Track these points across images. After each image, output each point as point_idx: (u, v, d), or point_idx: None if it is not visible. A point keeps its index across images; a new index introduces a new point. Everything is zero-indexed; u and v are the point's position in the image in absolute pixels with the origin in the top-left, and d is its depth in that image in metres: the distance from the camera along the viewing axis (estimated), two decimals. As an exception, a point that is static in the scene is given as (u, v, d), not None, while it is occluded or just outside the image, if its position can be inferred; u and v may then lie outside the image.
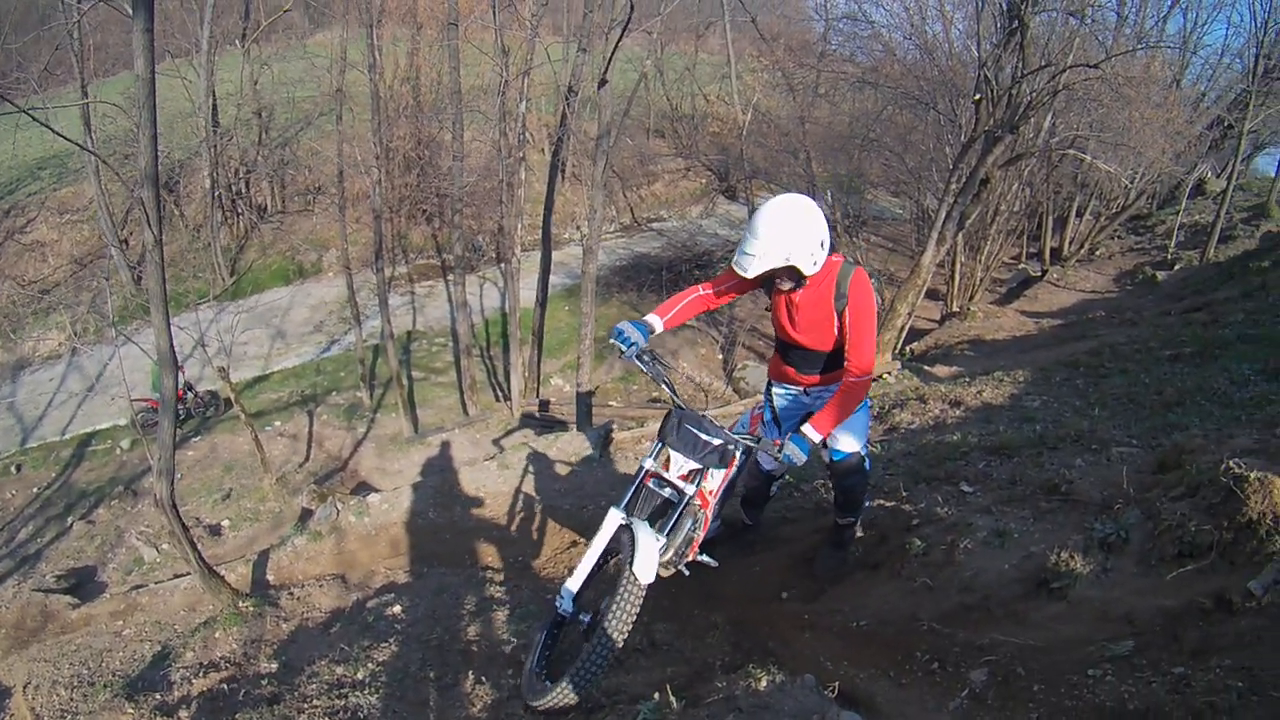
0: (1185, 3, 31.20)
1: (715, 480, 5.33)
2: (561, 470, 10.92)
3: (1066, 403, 11.35)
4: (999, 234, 27.48)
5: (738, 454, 5.26)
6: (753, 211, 7.00)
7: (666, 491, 5.18)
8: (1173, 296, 22.70)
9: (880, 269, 31.91)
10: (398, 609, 7.27)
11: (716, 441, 5.04)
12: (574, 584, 5.02)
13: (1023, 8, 16.17)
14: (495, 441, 18.16)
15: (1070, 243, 32.71)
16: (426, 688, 5.67)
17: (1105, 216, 33.45)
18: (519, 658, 5.73)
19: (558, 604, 5.09)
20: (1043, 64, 17.63)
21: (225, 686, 6.42)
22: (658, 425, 5.70)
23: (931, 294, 25.98)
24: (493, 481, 10.60)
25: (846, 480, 5.82)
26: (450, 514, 10.02)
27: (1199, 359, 12.74)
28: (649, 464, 5.21)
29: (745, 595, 6.66)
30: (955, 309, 26.22)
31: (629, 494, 5.18)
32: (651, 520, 5.11)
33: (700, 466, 5.09)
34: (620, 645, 4.62)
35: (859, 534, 6.67)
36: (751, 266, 4.91)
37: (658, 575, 4.89)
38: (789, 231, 4.82)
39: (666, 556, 5.16)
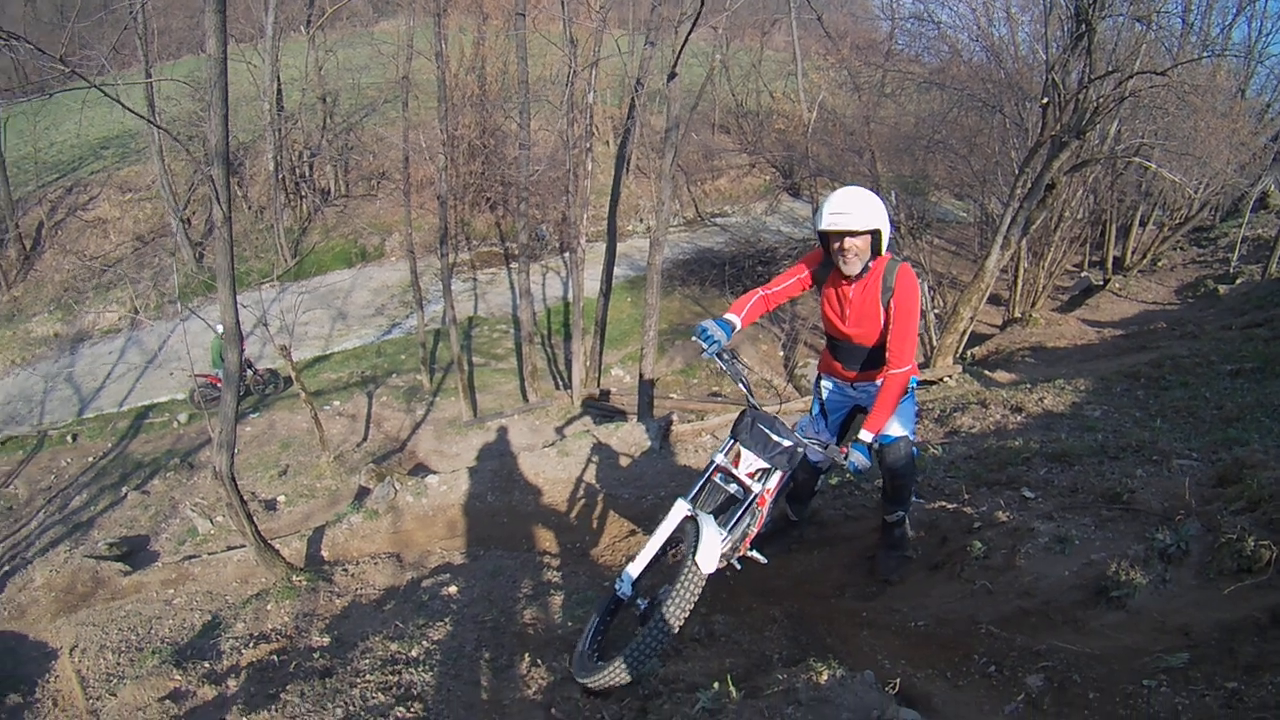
0: (1250, 11, 30.81)
1: (775, 479, 5.40)
2: (622, 460, 10.95)
3: (1127, 413, 11.27)
4: (1062, 241, 27.21)
5: (802, 457, 5.41)
6: (816, 210, 7.15)
7: (733, 487, 5.30)
8: (1234, 310, 22.39)
9: (943, 272, 31.70)
10: (453, 589, 7.32)
11: (787, 443, 5.19)
12: (635, 569, 5.14)
13: (1090, 11, 16.01)
14: (557, 429, 18.19)
15: (1133, 252, 32.29)
16: (481, 668, 5.70)
17: (1168, 227, 32.97)
18: (574, 642, 5.72)
19: (617, 587, 5.20)
20: (1109, 69, 17.47)
21: (276, 658, 6.51)
22: (717, 419, 5.94)
23: (994, 299, 25.85)
24: (552, 468, 10.64)
25: (894, 465, 5.87)
26: (508, 498, 10.07)
27: (1260, 375, 12.62)
28: (719, 459, 5.36)
29: (804, 591, 6.67)
30: (1017, 315, 26.04)
31: (697, 486, 5.35)
32: (716, 514, 5.20)
33: (769, 466, 5.23)
34: (677, 631, 4.75)
35: (915, 534, 6.68)
36: (846, 222, 5.11)
37: (710, 571, 4.89)
38: (873, 203, 5.13)
39: (725, 549, 5.16)
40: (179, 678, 6.49)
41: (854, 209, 5.10)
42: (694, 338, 5.43)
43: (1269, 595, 4.31)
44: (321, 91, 35.08)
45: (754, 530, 5.59)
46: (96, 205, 32.76)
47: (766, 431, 5.22)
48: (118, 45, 30.56)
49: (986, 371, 18.12)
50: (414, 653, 5.92)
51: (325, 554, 9.66)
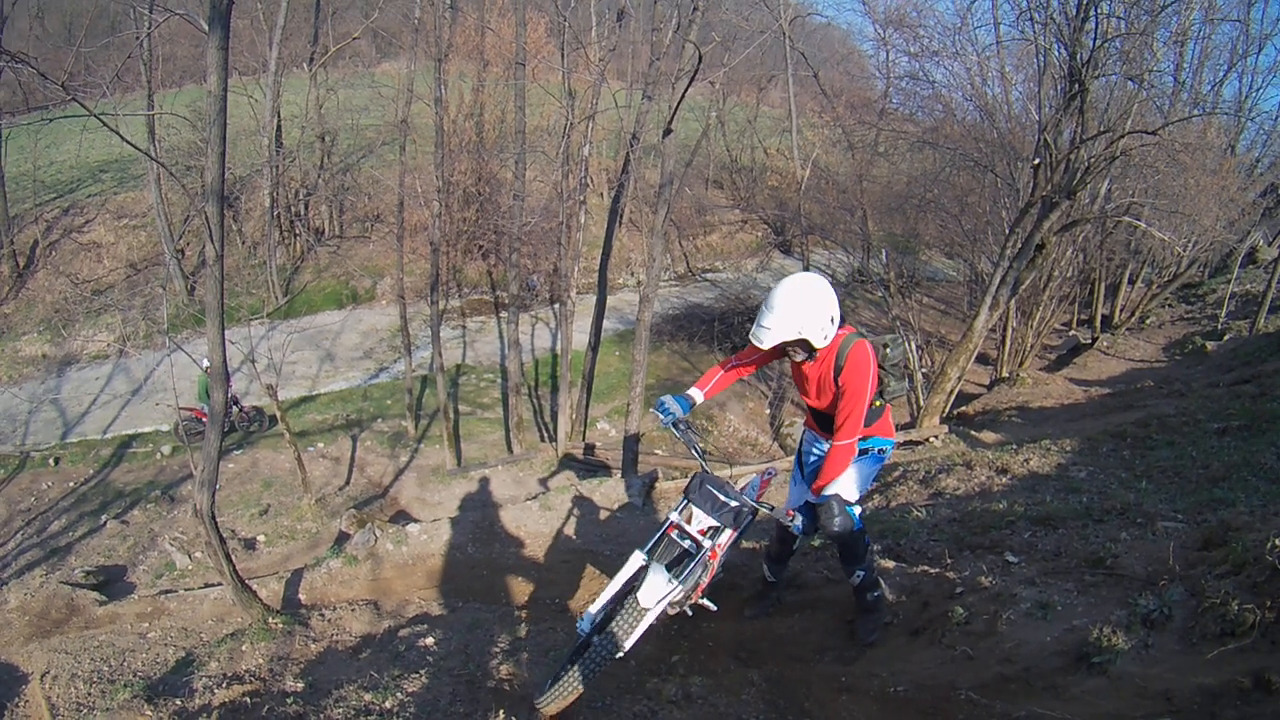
0: (1240, 67, 31.13)
1: (725, 536, 5.76)
2: (603, 515, 10.95)
3: (1113, 474, 11.28)
4: (1051, 300, 27.36)
5: (750, 517, 5.74)
6: (806, 267, 7.61)
7: (686, 543, 5.65)
8: (1222, 367, 22.48)
9: (932, 331, 31.85)
10: (430, 640, 7.26)
11: (734, 504, 5.61)
12: (595, 609, 5.58)
13: (1083, 71, 16.15)
14: (541, 481, 18.16)
15: (1121, 310, 32.45)
16: (456, 723, 5.63)
17: (1157, 284, 33.23)
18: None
19: (579, 625, 5.57)
20: (1101, 129, 17.58)
21: (248, 700, 6.44)
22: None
23: (981, 358, 25.88)
24: (534, 521, 10.61)
25: (826, 525, 5.89)
26: (489, 550, 10.03)
27: (1247, 433, 12.65)
28: (674, 516, 5.79)
29: (783, 654, 6.63)
30: (1005, 374, 26.10)
31: (653, 540, 5.82)
32: (670, 566, 5.56)
33: (718, 524, 5.62)
34: (623, 648, 5.30)
35: (896, 598, 6.66)
36: (766, 339, 5.43)
37: (668, 614, 5.88)
38: (802, 307, 5.33)
39: (676, 598, 5.58)
40: (150, 713, 6.42)
41: (774, 324, 5.37)
42: (652, 409, 6.09)
43: (1252, 659, 4.30)
44: (321, 130, 35.23)
45: (705, 580, 5.94)
46: (92, 229, 32.75)
47: (715, 492, 5.63)
48: (121, 71, 30.71)
49: (973, 431, 18.16)
50: (388, 704, 5.86)
51: (303, 597, 9.58)
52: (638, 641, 5.42)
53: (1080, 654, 4.97)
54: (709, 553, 5.69)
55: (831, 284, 5.49)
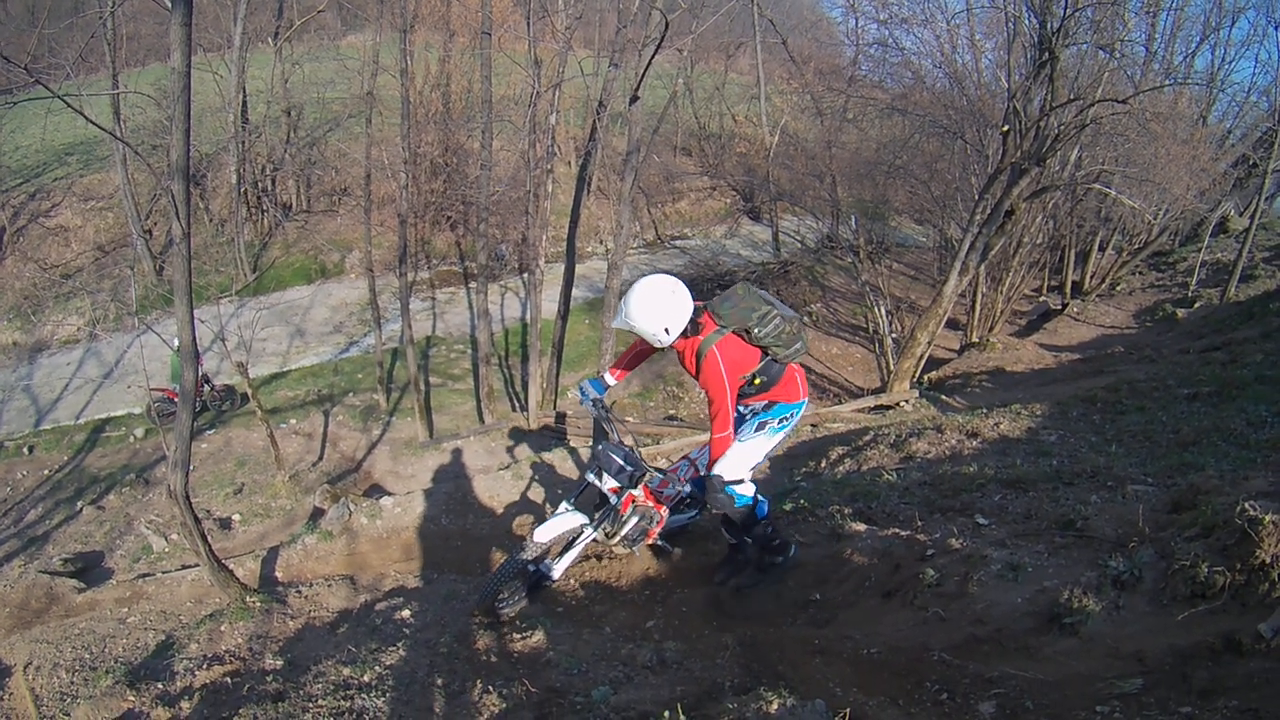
0: (1214, 39, 31.22)
1: (639, 490, 6.92)
2: (574, 480, 10.96)
3: (1083, 438, 11.34)
4: (1021, 266, 27.40)
5: (646, 478, 6.88)
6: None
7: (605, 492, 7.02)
8: (1192, 334, 22.59)
9: (902, 297, 31.82)
10: (407, 613, 7.27)
11: (629, 469, 6.72)
12: (535, 540, 6.79)
13: (1054, 40, 16.16)
14: (509, 450, 18.16)
15: (1091, 277, 32.58)
16: (433, 694, 5.65)
17: (1127, 252, 33.29)
18: (528, 667, 5.84)
19: (517, 556, 6.85)
20: (1071, 97, 17.60)
21: (229, 680, 6.42)
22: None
23: (951, 324, 25.95)
24: (506, 490, 10.66)
25: (710, 501, 6.95)
26: (463, 521, 10.06)
27: (1217, 399, 12.71)
28: (589, 476, 7.11)
29: (756, 617, 6.71)
30: (975, 339, 26.16)
31: (575, 493, 7.28)
32: (595, 509, 7.04)
33: (618, 484, 6.79)
34: (553, 576, 7.04)
35: (867, 560, 6.72)
36: (617, 322, 6.44)
37: (623, 552, 7.82)
38: (642, 307, 6.21)
39: (617, 537, 7.09)
40: (133, 698, 6.38)
41: (624, 314, 6.33)
42: (574, 389, 6.91)
43: (1222, 620, 4.34)
44: (286, 105, 35.01)
45: (655, 527, 7.33)
46: (59, 212, 32.53)
47: (613, 458, 6.83)
48: (85, 51, 30.41)
49: (943, 396, 18.23)
50: (366, 678, 5.85)
51: (280, 575, 9.59)
52: (567, 568, 7.09)
53: (1051, 615, 5.01)
54: (621, 505, 6.85)
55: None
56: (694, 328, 6.40)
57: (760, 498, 7.03)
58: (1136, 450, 10.30)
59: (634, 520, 7.05)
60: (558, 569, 6.98)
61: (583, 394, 7.23)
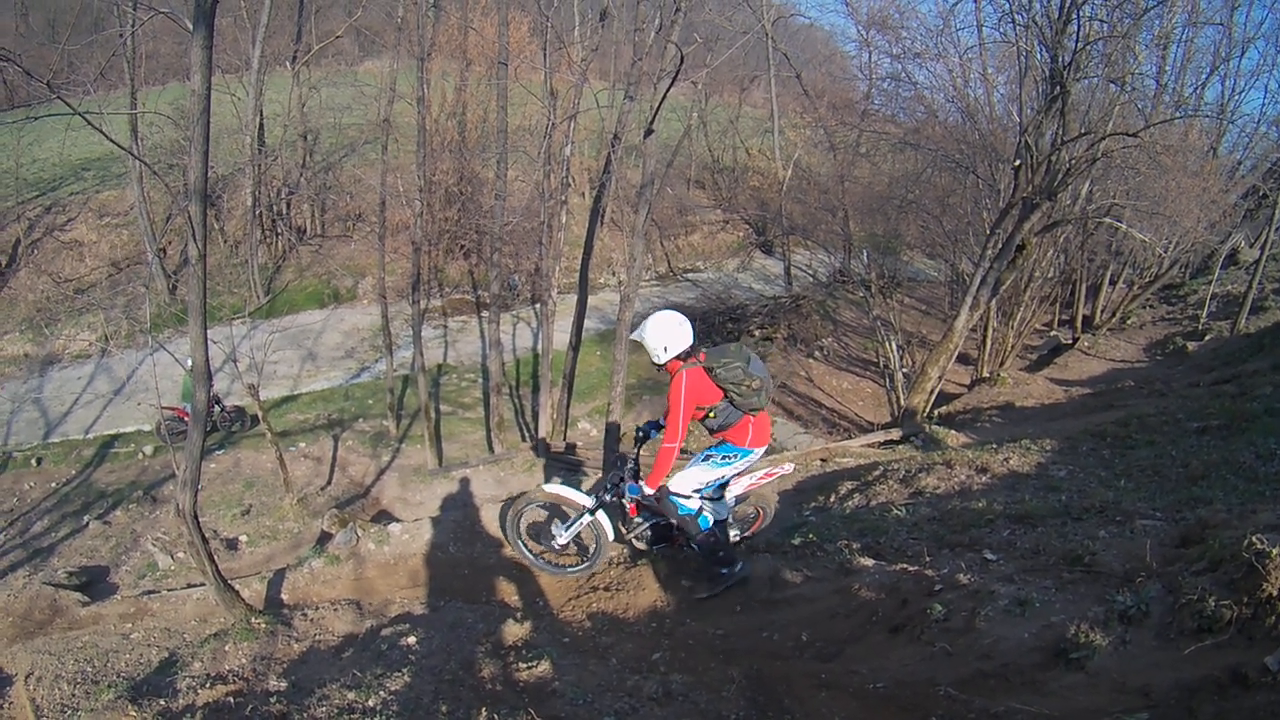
0: (1223, 70, 31.18)
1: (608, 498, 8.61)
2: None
3: (1092, 473, 11.32)
4: (1032, 300, 27.34)
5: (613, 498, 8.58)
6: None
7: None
8: (1202, 368, 22.51)
9: (913, 331, 31.79)
10: (412, 640, 7.27)
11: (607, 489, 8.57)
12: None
13: (1065, 74, 16.16)
14: (519, 479, 18.15)
15: (1102, 311, 32.42)
16: (438, 721, 5.63)
17: (1138, 285, 33.14)
18: (535, 697, 5.80)
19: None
20: (1083, 131, 17.60)
21: (232, 700, 6.43)
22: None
23: (962, 358, 25.88)
24: (515, 520, 10.62)
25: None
26: (471, 549, 10.05)
27: (1226, 432, 12.68)
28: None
29: (763, 650, 6.66)
30: (986, 374, 26.10)
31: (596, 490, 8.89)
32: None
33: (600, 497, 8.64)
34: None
35: (875, 596, 6.71)
36: (632, 335, 8.09)
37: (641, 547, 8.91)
38: (656, 327, 7.68)
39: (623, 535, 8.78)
40: (134, 713, 6.38)
41: (644, 341, 7.76)
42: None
43: (1229, 655, 4.31)
44: (303, 129, 35.28)
45: (629, 531, 8.74)
46: (74, 227, 32.72)
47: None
48: (105, 69, 30.62)
49: (953, 431, 18.14)
50: (371, 703, 5.85)
51: (286, 597, 9.59)
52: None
53: (1058, 650, 4.98)
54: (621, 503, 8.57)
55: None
56: (684, 356, 7.66)
57: (706, 514, 8.15)
58: (1145, 485, 10.29)
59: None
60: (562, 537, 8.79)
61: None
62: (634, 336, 7.85)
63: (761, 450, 8.07)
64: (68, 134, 33.90)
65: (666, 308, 8.13)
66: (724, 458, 7.99)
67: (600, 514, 8.72)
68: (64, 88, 21.20)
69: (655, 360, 7.73)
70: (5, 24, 44.34)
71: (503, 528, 9.60)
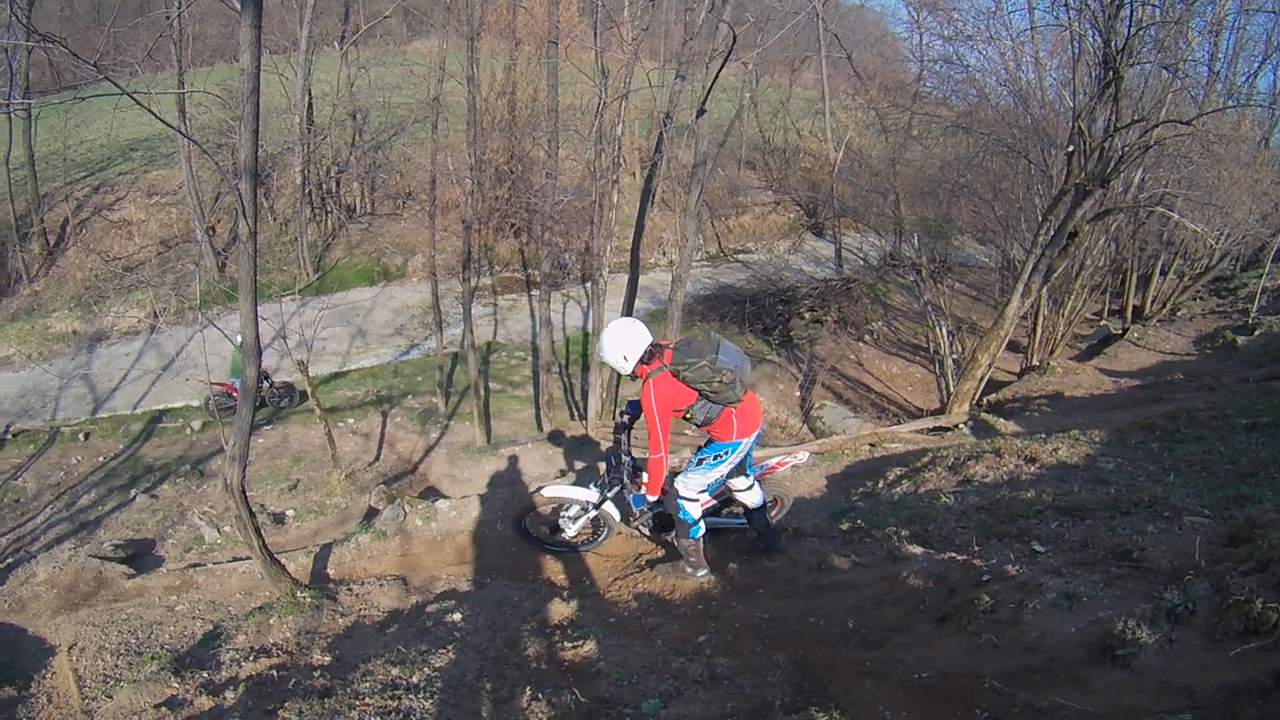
0: (1276, 59, 30.69)
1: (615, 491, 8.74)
2: (633, 491, 11.00)
3: (1141, 466, 11.21)
4: (1083, 289, 27.05)
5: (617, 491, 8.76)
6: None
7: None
8: (1252, 363, 22.24)
9: (963, 317, 31.58)
10: (457, 617, 7.31)
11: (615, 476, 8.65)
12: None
13: (1118, 59, 15.95)
14: (566, 457, 18.13)
15: (1152, 302, 32.03)
16: (482, 699, 5.68)
17: (1189, 277, 32.65)
18: (578, 677, 5.86)
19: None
20: (1135, 118, 17.41)
21: (275, 673, 6.47)
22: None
23: (1012, 346, 25.68)
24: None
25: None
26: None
27: (1275, 429, 12.50)
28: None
29: (809, 637, 6.64)
30: (1035, 363, 25.92)
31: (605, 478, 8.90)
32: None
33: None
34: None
35: (922, 583, 6.68)
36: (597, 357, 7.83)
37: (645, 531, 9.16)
38: (606, 344, 7.61)
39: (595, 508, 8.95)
40: (177, 685, 6.45)
41: (605, 361, 7.77)
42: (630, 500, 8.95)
43: (1275, 658, 4.28)
44: (352, 108, 35.41)
45: (638, 510, 8.78)
46: (122, 206, 33.17)
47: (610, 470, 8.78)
48: (152, 50, 30.80)
49: (1002, 419, 18.02)
50: (415, 679, 5.90)
51: (331, 572, 9.66)
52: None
53: (1104, 646, 4.96)
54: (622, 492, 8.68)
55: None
56: (648, 358, 7.60)
57: (701, 524, 8.14)
58: (1194, 480, 10.17)
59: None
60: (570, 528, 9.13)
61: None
62: (598, 359, 7.73)
63: (752, 438, 7.98)
64: (115, 115, 34.21)
65: (620, 322, 7.88)
66: (715, 457, 7.93)
67: (607, 504, 8.89)
68: (111, 69, 21.37)
69: (623, 372, 7.72)
70: (51, 8, 44.60)
71: (519, 535, 9.83)
